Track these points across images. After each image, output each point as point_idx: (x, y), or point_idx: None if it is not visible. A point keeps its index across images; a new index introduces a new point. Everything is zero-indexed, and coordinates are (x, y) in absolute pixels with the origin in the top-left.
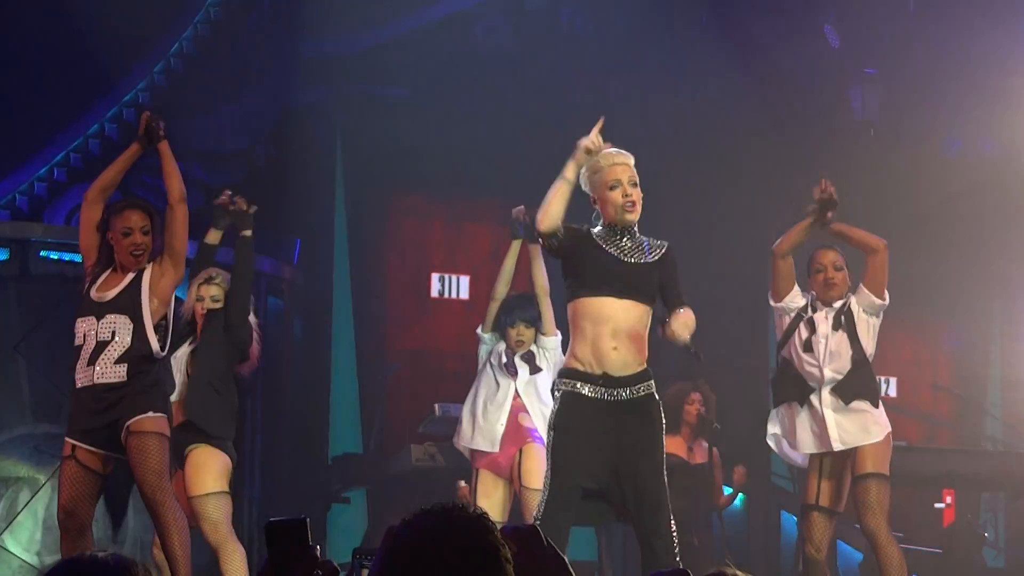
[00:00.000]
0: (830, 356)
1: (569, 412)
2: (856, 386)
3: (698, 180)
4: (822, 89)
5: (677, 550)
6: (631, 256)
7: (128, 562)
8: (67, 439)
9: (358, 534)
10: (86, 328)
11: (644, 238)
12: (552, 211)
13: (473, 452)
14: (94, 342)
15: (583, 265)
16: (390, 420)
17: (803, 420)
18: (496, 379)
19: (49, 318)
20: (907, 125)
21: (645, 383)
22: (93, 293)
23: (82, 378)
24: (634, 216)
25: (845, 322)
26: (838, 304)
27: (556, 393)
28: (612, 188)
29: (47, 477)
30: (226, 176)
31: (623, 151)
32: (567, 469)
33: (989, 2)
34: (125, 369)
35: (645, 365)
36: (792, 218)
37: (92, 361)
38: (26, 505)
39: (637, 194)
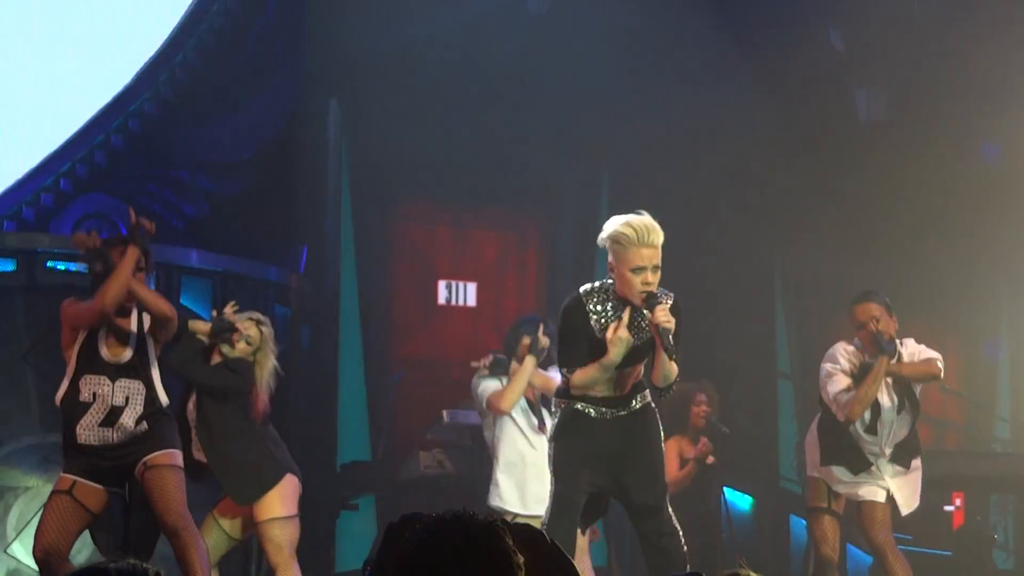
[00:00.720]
0: (894, 435)
1: (570, 424)
2: (912, 447)
3: (703, 181)
4: (827, 91)
5: (685, 548)
6: (633, 334)
7: (142, 571)
8: (65, 475)
9: (367, 541)
10: (96, 388)
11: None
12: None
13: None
14: (107, 405)
15: (583, 346)
16: (398, 427)
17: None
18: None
19: (56, 328)
20: (914, 127)
21: (641, 394)
22: (104, 352)
23: (92, 437)
24: (641, 300)
25: (904, 391)
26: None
27: (554, 410)
28: (634, 271)
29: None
30: (232, 185)
31: (656, 227)
32: (569, 476)
33: (994, 5)
34: (146, 424)
35: (640, 378)
36: (796, 218)
37: (107, 424)
38: (36, 514)
39: (656, 280)
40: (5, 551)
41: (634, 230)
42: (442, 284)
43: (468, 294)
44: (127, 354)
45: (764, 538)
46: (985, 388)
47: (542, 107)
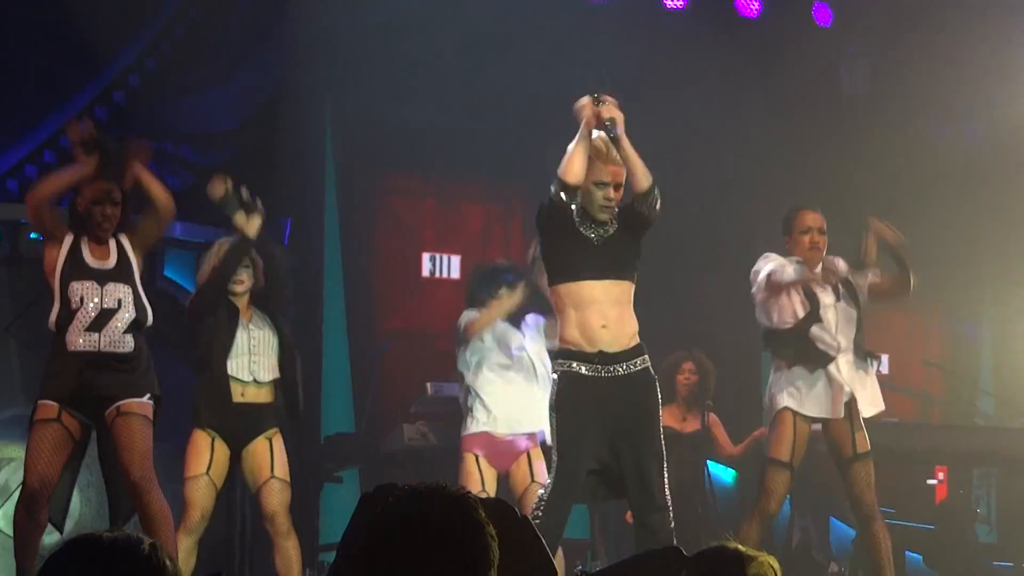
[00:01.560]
0: (841, 326)
1: (569, 393)
2: (863, 349)
3: (687, 154)
4: (812, 64)
5: (672, 525)
6: (597, 235)
7: (136, 541)
8: (48, 401)
9: (351, 513)
10: (85, 292)
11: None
12: (577, 166)
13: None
14: (98, 309)
15: (564, 249)
16: (382, 399)
17: (817, 386)
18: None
19: (40, 299)
20: (899, 103)
21: (640, 357)
22: (89, 259)
23: (82, 343)
24: (607, 217)
25: (845, 292)
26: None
27: (553, 375)
28: (597, 185)
29: None
30: (215, 157)
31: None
32: (573, 454)
33: None
34: (132, 341)
35: (638, 340)
36: (782, 189)
37: (97, 328)
38: (19, 486)
39: (618, 198)
40: None
41: (596, 146)
42: (426, 257)
43: (452, 267)
44: (111, 260)
45: (748, 511)
46: (968, 362)
47: (527, 78)
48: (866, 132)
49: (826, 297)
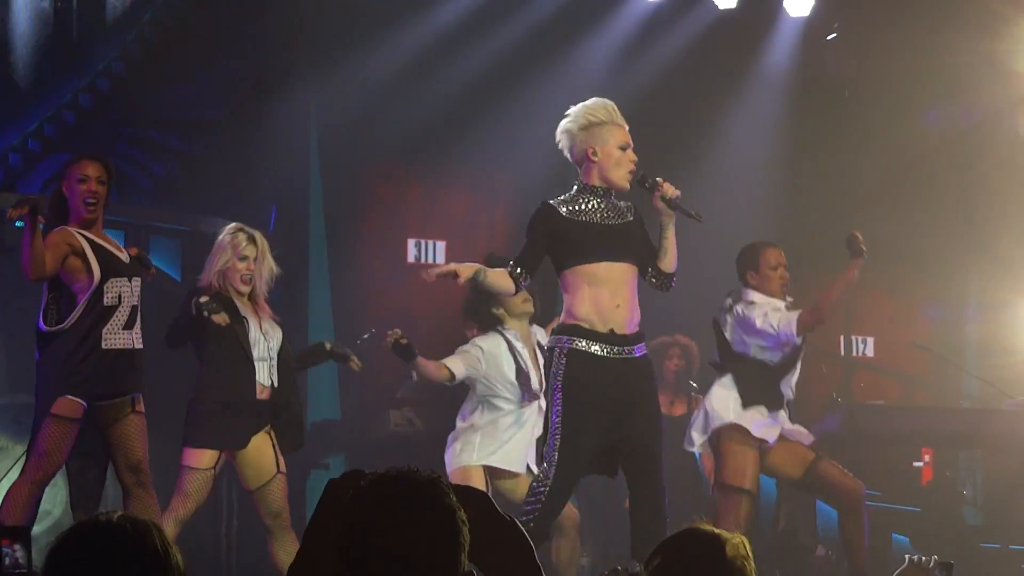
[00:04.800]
0: (795, 379)
1: (579, 372)
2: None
3: (672, 136)
4: (797, 45)
5: (666, 514)
6: (612, 219)
7: (142, 524)
8: (76, 400)
9: None
10: (121, 289)
11: (613, 200)
12: (504, 286)
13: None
14: (130, 306)
15: (569, 239)
16: (368, 385)
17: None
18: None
19: (26, 288)
20: (885, 84)
21: (643, 343)
22: (117, 254)
23: (117, 341)
24: (627, 184)
25: None
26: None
27: (555, 350)
28: (623, 149)
29: (26, 447)
30: (201, 145)
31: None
32: (577, 435)
33: None
34: (141, 336)
35: (639, 327)
36: (767, 175)
37: (129, 326)
38: (5, 475)
39: (634, 161)
40: None
41: (606, 109)
42: (411, 243)
43: (437, 253)
44: (125, 254)
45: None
46: (954, 344)
47: (511, 64)
48: (850, 117)
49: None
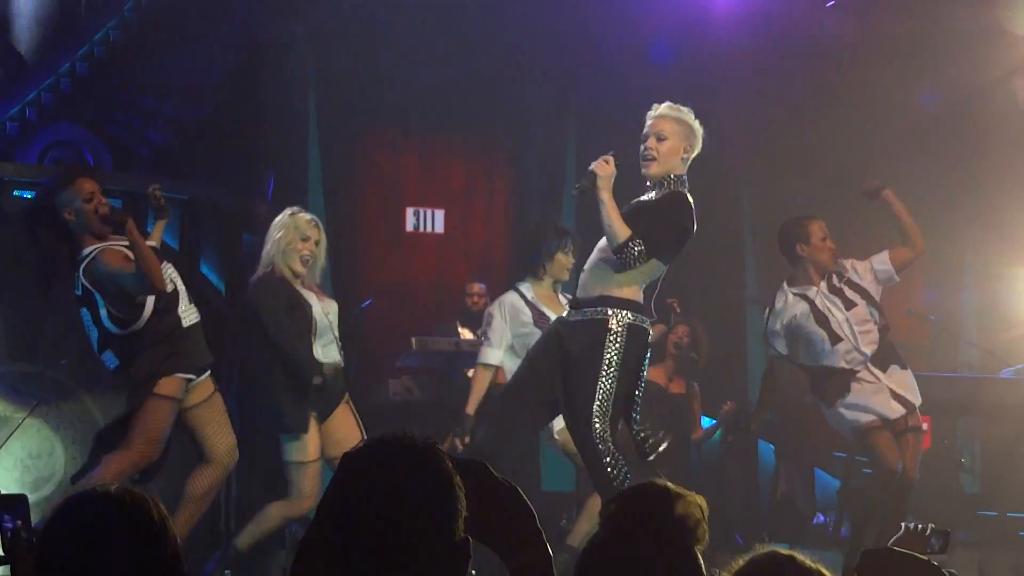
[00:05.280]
0: (860, 334)
1: (636, 348)
2: (890, 354)
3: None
4: (796, 12)
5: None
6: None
7: (139, 495)
8: (178, 375)
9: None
10: (169, 273)
11: (656, 191)
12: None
13: None
14: (179, 284)
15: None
16: (367, 354)
17: (860, 396)
18: None
19: (23, 257)
20: (885, 51)
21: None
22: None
23: (192, 316)
24: (650, 170)
25: (856, 294)
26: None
27: (612, 324)
28: (641, 140)
29: (24, 416)
30: (199, 112)
31: (663, 104)
32: (616, 409)
33: None
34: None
35: None
36: (766, 148)
37: (189, 301)
38: (3, 444)
39: (657, 147)
40: None
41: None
42: (410, 211)
43: (436, 221)
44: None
45: (733, 464)
46: (951, 312)
47: (509, 33)
48: (849, 84)
49: (837, 313)
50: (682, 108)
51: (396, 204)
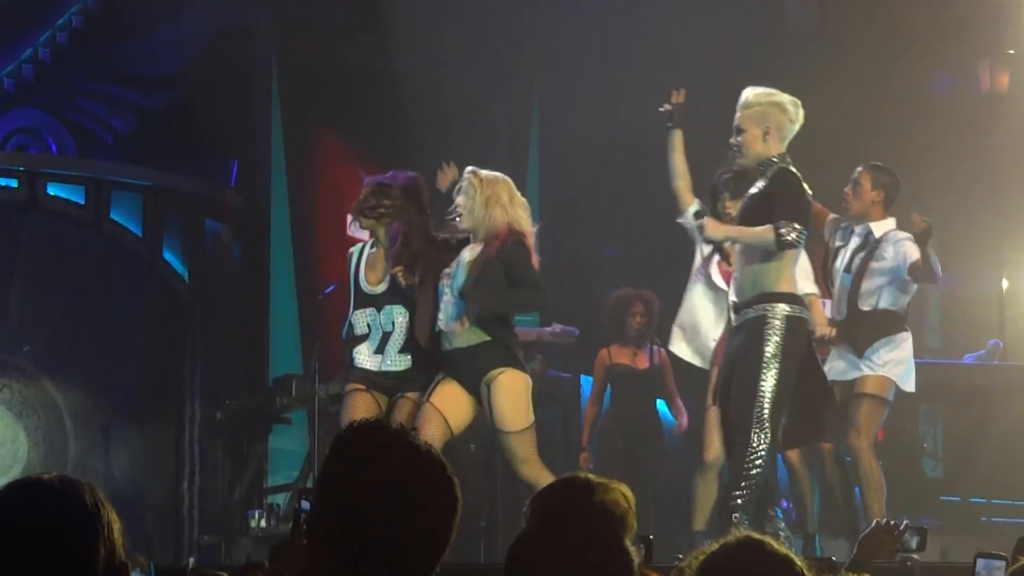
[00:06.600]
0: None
1: (800, 340)
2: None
3: (633, 105)
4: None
5: None
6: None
7: (71, 481)
8: None
9: (299, 456)
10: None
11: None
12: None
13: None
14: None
15: None
16: (330, 340)
17: None
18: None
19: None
20: (849, 38)
21: None
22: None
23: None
24: (741, 162)
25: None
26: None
27: (776, 320)
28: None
29: None
30: (162, 99)
31: (748, 94)
32: (783, 401)
33: None
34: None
35: None
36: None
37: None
38: None
39: (737, 142)
40: None
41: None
42: None
43: None
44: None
45: (696, 449)
46: (914, 296)
47: (473, 33)
48: (812, 69)
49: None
50: (760, 91)
51: (359, 192)
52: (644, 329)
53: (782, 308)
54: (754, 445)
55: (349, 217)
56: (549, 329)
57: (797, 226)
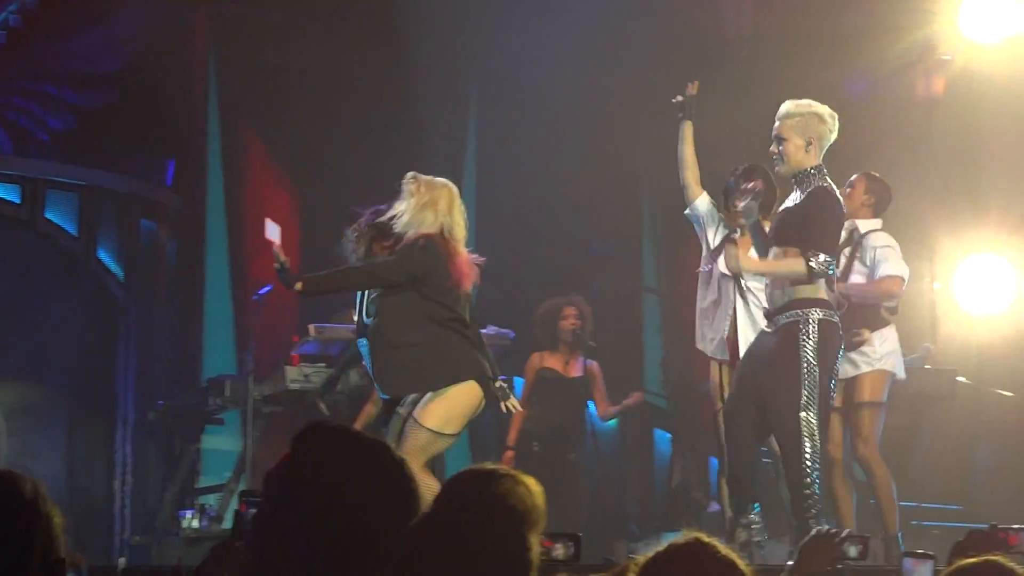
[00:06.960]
0: None
1: (833, 347)
2: None
3: (555, 103)
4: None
5: None
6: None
7: (11, 475)
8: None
9: (232, 456)
10: None
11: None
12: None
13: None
14: None
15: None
16: (264, 341)
17: None
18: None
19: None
20: (786, 43)
21: None
22: None
23: None
24: (780, 171)
25: None
26: None
27: (811, 324)
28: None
29: None
30: (99, 98)
31: (788, 105)
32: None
33: None
34: None
35: None
36: (662, 135)
37: None
38: None
39: (778, 151)
40: None
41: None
42: None
43: None
44: None
45: (629, 453)
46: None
47: (410, 38)
48: (747, 73)
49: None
50: (800, 102)
51: (278, 197)
52: (579, 331)
53: (815, 313)
54: (808, 453)
55: (267, 220)
56: (484, 331)
57: (826, 258)
